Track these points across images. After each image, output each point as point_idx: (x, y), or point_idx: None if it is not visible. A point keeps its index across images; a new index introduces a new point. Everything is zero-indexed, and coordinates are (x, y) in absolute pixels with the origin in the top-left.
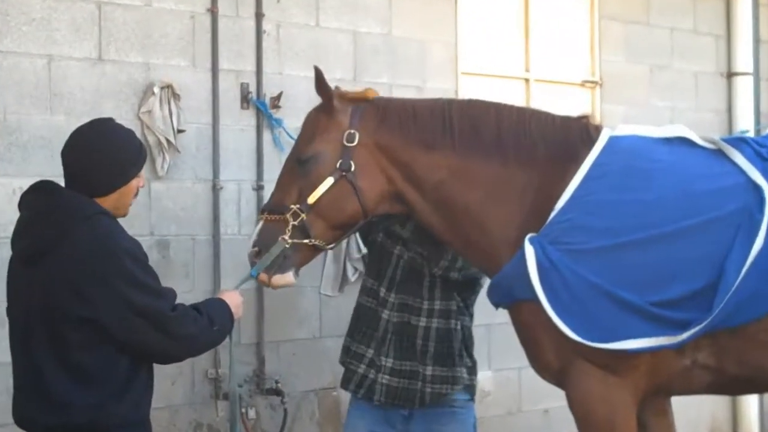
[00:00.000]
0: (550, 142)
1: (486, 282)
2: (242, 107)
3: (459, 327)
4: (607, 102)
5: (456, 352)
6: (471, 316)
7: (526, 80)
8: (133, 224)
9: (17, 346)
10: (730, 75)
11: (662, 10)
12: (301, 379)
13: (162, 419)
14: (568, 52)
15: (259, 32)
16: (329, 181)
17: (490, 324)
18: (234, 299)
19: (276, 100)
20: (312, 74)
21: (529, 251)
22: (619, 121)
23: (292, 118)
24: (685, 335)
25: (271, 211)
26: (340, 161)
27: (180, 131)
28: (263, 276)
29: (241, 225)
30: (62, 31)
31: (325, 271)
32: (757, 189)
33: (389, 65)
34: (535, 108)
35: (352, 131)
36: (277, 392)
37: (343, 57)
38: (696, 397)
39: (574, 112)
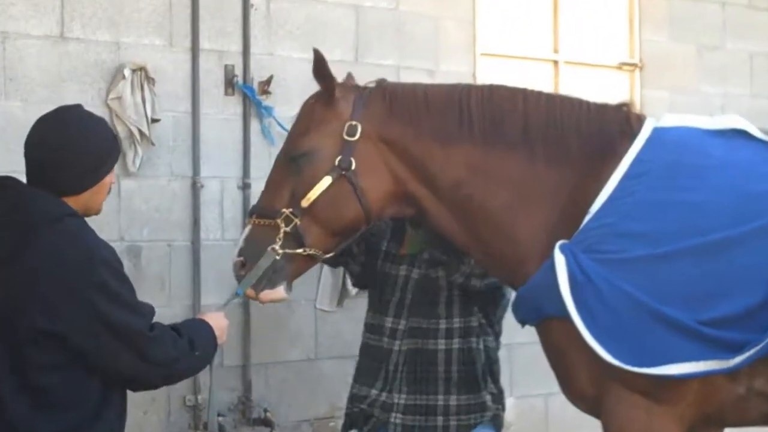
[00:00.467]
0: (585, 135)
1: (511, 294)
2: (226, 93)
3: (482, 347)
4: (648, 87)
5: (479, 376)
6: (496, 335)
7: (555, 62)
8: (99, 228)
9: None
10: None
11: None
12: (293, 408)
13: None
14: (604, 30)
15: (246, 6)
16: (326, 180)
17: (512, 344)
18: (218, 322)
19: (265, 85)
20: (307, 55)
21: (560, 260)
22: (663, 109)
23: (284, 106)
24: (739, 359)
25: (261, 214)
26: (339, 158)
27: (154, 120)
28: (250, 291)
29: (224, 229)
30: (18, 5)
31: (321, 282)
32: None
33: (396, 45)
34: (566, 95)
35: (354, 123)
36: (266, 422)
37: (344, 35)
38: (751, 430)
39: (611, 99)
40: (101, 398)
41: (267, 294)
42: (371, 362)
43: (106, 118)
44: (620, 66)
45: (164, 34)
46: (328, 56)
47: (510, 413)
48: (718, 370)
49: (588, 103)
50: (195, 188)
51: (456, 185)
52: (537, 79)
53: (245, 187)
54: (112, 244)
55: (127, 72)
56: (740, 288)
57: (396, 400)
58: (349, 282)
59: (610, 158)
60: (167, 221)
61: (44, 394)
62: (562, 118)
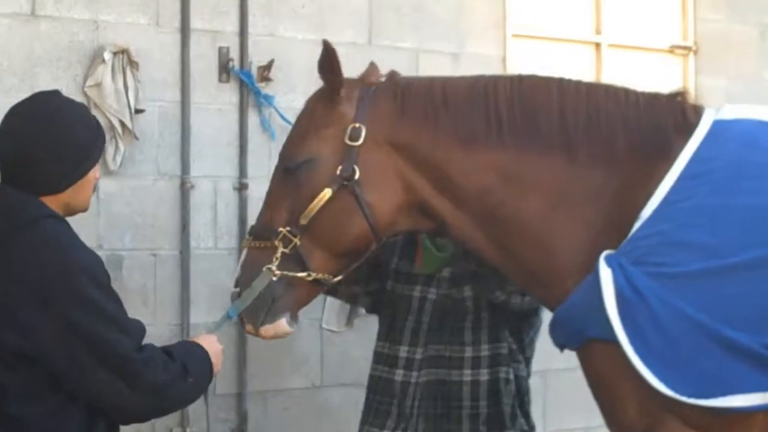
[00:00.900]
0: (633, 130)
1: (547, 314)
2: (221, 80)
3: (512, 377)
4: (703, 74)
5: (509, 411)
6: (527, 361)
7: (597, 45)
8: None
9: None
10: None
11: None
12: None
13: None
14: (653, 9)
15: None
16: (326, 193)
17: (546, 370)
18: (212, 346)
19: (265, 71)
20: (314, 36)
21: (606, 275)
22: (721, 98)
23: (287, 95)
24: None
25: (257, 236)
26: (340, 167)
27: (138, 111)
28: (249, 327)
29: (217, 237)
30: None
31: (328, 300)
32: None
33: (415, 26)
34: (610, 83)
35: (358, 125)
36: None
37: (356, 14)
38: None
39: (662, 87)
40: (84, 430)
41: (268, 330)
42: (381, 398)
43: None
44: (672, 49)
45: (150, 12)
46: (338, 38)
47: None
48: None
49: (636, 93)
50: (184, 189)
51: (483, 193)
52: (576, 65)
53: (242, 188)
54: None
55: (107, 55)
56: None
57: None
58: None
59: (663, 156)
60: (152, 227)
61: (19, 425)
62: (606, 111)
